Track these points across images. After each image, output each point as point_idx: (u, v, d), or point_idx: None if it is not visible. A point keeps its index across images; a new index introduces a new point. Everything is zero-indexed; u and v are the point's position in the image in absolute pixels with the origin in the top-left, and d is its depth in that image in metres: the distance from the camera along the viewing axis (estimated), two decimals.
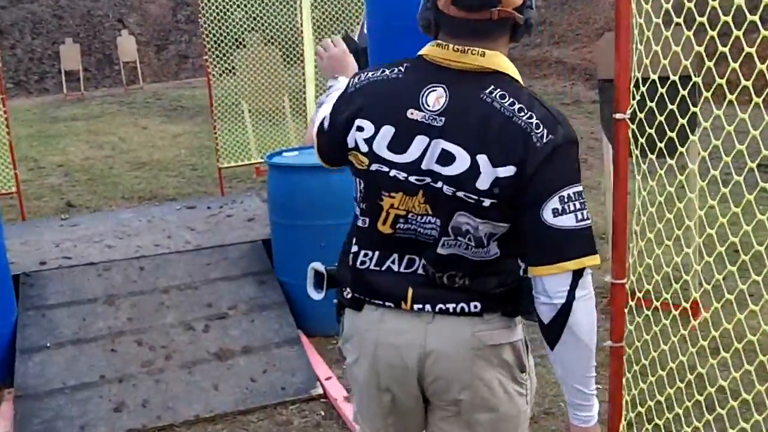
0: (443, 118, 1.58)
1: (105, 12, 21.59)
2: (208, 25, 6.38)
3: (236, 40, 7.42)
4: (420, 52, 1.68)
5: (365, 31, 4.23)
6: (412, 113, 1.61)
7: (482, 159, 1.55)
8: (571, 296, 1.54)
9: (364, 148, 1.67)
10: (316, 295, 1.85)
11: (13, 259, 4.33)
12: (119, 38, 18.87)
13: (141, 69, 19.13)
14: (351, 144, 1.70)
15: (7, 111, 5.31)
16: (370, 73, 1.73)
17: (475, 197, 1.57)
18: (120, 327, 3.79)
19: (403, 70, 1.68)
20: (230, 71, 7.72)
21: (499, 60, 1.61)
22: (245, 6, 6.66)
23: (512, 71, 1.63)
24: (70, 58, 17.93)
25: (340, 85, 1.98)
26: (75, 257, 4.42)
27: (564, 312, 1.55)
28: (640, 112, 2.08)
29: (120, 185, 7.93)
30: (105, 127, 12.37)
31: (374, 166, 1.65)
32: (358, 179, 1.73)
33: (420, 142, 1.60)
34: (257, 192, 6.09)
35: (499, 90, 1.58)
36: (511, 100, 1.56)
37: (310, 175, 3.81)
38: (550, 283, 1.55)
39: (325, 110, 1.87)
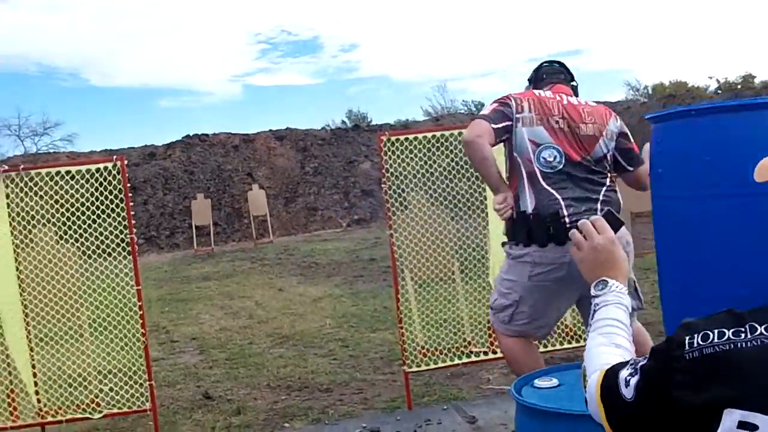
0: None
1: (234, 166, 21.59)
2: (391, 181, 5.17)
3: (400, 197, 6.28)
4: None
5: None
6: None
7: None
8: None
9: None
10: None
11: None
12: (250, 192, 18.62)
13: (270, 222, 18.68)
14: None
15: (143, 308, 4.31)
16: (728, 333, 1.16)
17: None
18: None
19: None
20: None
21: None
22: (421, 155, 5.51)
23: None
24: (200, 213, 17.69)
25: (610, 297, 1.54)
26: None
27: None
28: None
29: (263, 368, 6.81)
30: (238, 289, 11.55)
31: None
32: None
33: None
34: (451, 402, 4.81)
35: None
36: None
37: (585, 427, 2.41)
38: None
39: (606, 355, 1.41)
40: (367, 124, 26.19)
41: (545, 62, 4.00)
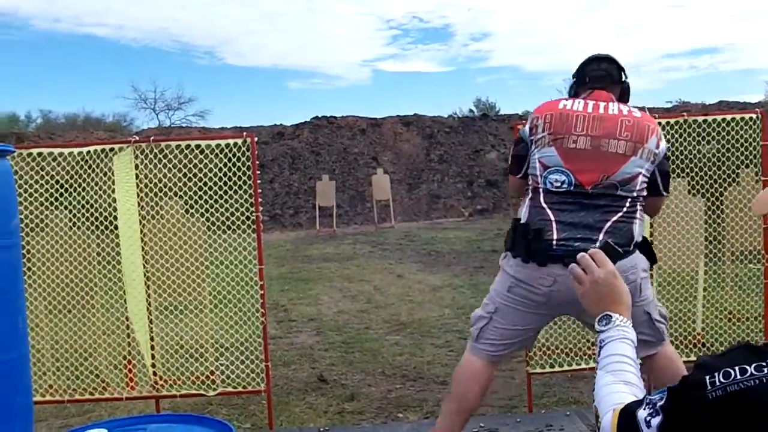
0: None
1: (360, 150, 21.70)
2: None
3: None
4: None
5: None
6: None
7: None
8: None
9: None
10: None
11: None
12: (374, 176, 18.66)
13: (393, 207, 18.64)
14: None
15: (264, 287, 4.24)
16: (750, 369, 1.14)
17: None
18: None
19: None
20: None
21: None
22: None
23: None
24: (325, 194, 17.86)
25: (614, 332, 1.53)
26: None
27: None
28: None
29: (379, 355, 6.72)
30: (358, 272, 11.54)
31: None
32: None
33: None
34: (573, 407, 4.54)
35: None
36: None
37: None
38: None
39: (617, 394, 1.40)
40: (495, 114, 25.78)
41: (593, 58, 3.58)
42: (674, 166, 5.19)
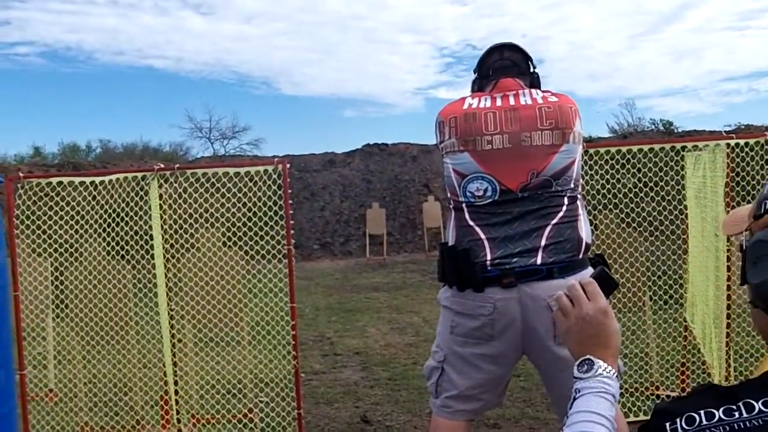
0: None
1: (411, 177, 21.40)
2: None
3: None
4: None
5: None
6: None
7: None
8: None
9: None
10: None
11: None
12: (425, 204, 18.39)
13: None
14: None
15: (297, 350, 3.92)
16: (718, 413, 0.99)
17: None
18: None
19: None
20: None
21: None
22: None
23: None
24: (375, 222, 17.64)
25: (593, 384, 1.27)
26: None
27: None
28: None
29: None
30: (407, 303, 11.21)
31: None
32: None
33: None
34: None
35: None
36: None
37: None
38: None
39: None
40: None
41: (494, 47, 3.05)
42: (749, 187, 4.82)
